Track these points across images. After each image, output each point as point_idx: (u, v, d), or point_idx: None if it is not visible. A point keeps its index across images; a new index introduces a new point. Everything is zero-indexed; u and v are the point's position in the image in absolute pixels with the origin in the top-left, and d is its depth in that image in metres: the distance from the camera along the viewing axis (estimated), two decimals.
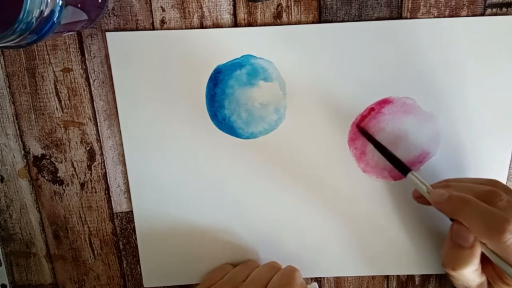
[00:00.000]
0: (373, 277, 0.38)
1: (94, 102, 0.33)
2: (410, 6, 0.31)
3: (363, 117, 0.33)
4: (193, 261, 0.37)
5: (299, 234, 0.36)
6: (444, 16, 0.31)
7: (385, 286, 0.38)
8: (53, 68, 0.33)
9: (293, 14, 0.31)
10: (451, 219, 0.30)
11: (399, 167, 0.32)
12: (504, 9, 0.31)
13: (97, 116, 0.34)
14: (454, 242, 0.29)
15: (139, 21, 0.32)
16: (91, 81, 0.33)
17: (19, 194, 0.36)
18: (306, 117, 0.33)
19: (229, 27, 0.32)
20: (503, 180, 0.34)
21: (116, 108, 0.33)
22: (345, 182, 0.35)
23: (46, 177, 0.35)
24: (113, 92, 0.33)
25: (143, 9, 0.31)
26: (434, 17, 0.31)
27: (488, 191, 0.29)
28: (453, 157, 0.34)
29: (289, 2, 0.31)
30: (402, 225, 0.36)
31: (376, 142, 0.33)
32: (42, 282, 0.38)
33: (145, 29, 0.32)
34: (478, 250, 0.28)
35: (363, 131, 0.33)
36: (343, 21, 0.32)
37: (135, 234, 0.37)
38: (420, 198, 0.32)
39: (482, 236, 0.28)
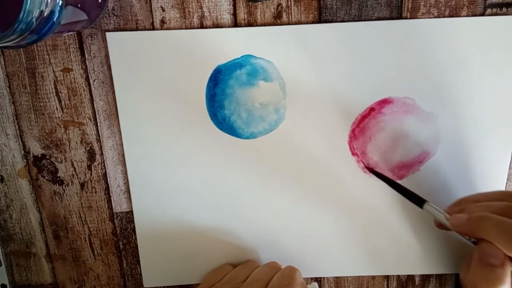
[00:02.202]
0: (373, 277, 0.38)
1: (94, 102, 0.33)
2: (410, 6, 0.31)
3: (363, 117, 0.33)
4: (193, 261, 0.37)
5: (299, 234, 0.36)
6: (444, 16, 0.31)
7: (385, 286, 0.38)
8: (53, 68, 0.33)
9: (293, 14, 0.31)
10: (474, 243, 0.30)
11: (414, 200, 0.32)
12: (504, 9, 0.31)
13: (97, 116, 0.34)
14: (484, 262, 0.28)
15: (139, 21, 0.32)
16: (91, 81, 0.33)
17: (19, 194, 0.36)
18: (306, 117, 0.33)
19: (229, 27, 0.32)
20: (503, 180, 0.34)
21: (116, 108, 0.33)
22: (345, 182, 0.35)
23: (46, 177, 0.35)
24: (113, 92, 0.33)
25: (143, 9, 0.31)
26: (434, 17, 0.31)
27: (504, 207, 0.28)
28: (453, 157, 0.34)
29: (289, 2, 0.31)
30: (402, 226, 0.36)
31: (388, 180, 0.33)
32: (42, 282, 0.38)
33: (145, 29, 0.32)
34: (509, 267, 0.27)
35: (373, 171, 0.34)
36: (343, 21, 0.32)
37: (135, 234, 0.37)
38: (441, 226, 0.32)
39: (509, 250, 0.27)
